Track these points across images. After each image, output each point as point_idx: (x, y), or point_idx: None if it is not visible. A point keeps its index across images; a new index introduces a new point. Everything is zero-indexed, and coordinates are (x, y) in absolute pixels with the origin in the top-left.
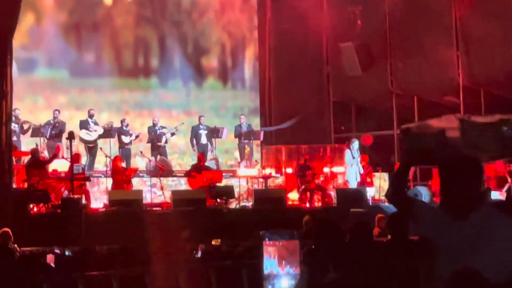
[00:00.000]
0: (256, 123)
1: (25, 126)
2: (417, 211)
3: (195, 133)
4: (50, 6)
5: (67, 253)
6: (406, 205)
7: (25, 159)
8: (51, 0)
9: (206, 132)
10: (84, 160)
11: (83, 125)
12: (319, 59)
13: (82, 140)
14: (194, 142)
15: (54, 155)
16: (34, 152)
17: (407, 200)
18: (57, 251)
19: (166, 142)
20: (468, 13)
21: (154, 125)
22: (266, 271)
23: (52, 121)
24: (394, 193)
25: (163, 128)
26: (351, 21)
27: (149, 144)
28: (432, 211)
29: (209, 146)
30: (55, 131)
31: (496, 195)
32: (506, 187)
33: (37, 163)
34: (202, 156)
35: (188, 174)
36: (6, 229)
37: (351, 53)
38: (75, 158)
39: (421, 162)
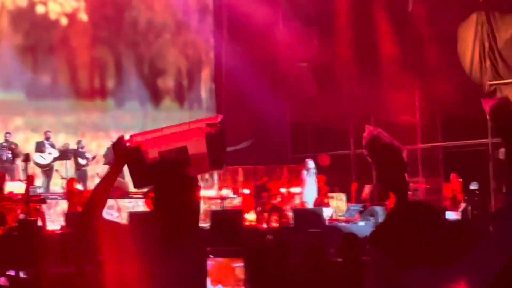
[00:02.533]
0: None
1: None
2: None
3: None
4: (5, 27)
5: (21, 275)
6: None
7: None
8: (6, 22)
9: None
10: (40, 182)
11: (39, 147)
12: (275, 79)
13: (36, 164)
14: None
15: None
16: (1, 176)
17: None
18: (11, 273)
19: None
20: (425, 32)
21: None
22: None
23: (5, 144)
24: None
25: None
26: (307, 41)
27: (106, 166)
28: None
29: None
30: (10, 153)
31: (452, 215)
32: (461, 208)
33: None
34: None
35: (145, 195)
36: None
37: (308, 73)
38: (30, 180)
39: None
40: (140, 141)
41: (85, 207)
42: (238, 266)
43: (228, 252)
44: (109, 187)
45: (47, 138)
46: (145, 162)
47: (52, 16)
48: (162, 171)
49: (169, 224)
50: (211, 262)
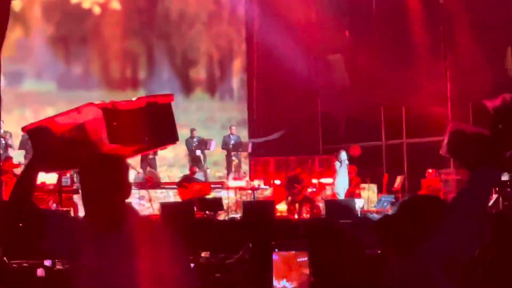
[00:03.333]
0: (244, 134)
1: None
2: None
3: (190, 146)
4: (38, 18)
5: (57, 266)
6: None
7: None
8: (39, 12)
9: (196, 144)
10: (72, 172)
11: None
12: (307, 70)
13: None
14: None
15: None
16: None
17: None
18: (51, 262)
19: (155, 153)
20: (456, 25)
21: None
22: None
23: None
24: None
25: None
26: (340, 33)
27: (137, 157)
28: None
29: (201, 157)
30: None
31: None
32: (493, 199)
33: None
34: (193, 168)
35: (179, 184)
36: None
37: (340, 64)
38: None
39: None
40: (41, 122)
41: (12, 195)
42: (303, 260)
43: (292, 246)
44: (33, 172)
45: None
46: (51, 143)
47: (86, 5)
48: (67, 152)
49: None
50: (276, 256)
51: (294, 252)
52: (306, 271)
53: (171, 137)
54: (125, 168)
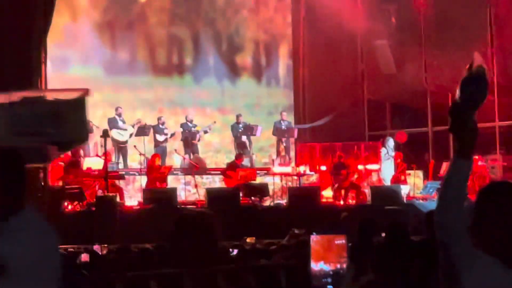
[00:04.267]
0: (290, 120)
1: None
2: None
3: (235, 131)
4: (84, 4)
5: (102, 251)
6: None
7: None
8: None
9: (242, 130)
10: (116, 158)
11: (112, 124)
12: (353, 56)
13: (114, 140)
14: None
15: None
16: (75, 152)
17: None
18: (96, 248)
19: (199, 140)
20: (505, 8)
21: (188, 122)
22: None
23: None
24: None
25: (195, 126)
26: (386, 19)
27: (181, 142)
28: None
29: (247, 143)
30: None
31: None
32: None
33: (75, 162)
34: (241, 158)
35: (224, 174)
36: None
37: (386, 50)
38: (108, 156)
39: None
40: None
41: None
42: (341, 242)
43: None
44: None
45: (119, 115)
46: None
47: None
48: None
49: None
50: (314, 238)
51: (331, 235)
52: (344, 253)
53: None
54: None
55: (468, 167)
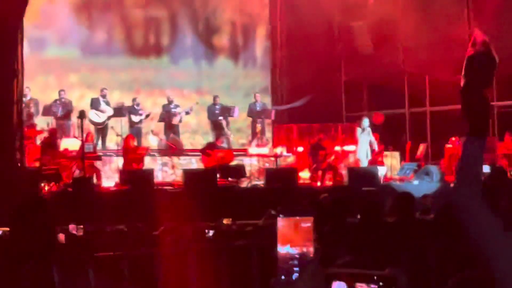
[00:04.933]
0: (267, 101)
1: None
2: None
3: (211, 113)
4: None
5: (77, 232)
6: None
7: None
8: None
9: (218, 111)
10: (94, 139)
11: (94, 104)
12: (331, 37)
13: (90, 121)
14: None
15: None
16: (53, 133)
17: None
18: (72, 227)
19: (180, 121)
20: None
21: (169, 103)
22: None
23: (58, 101)
24: None
25: (177, 107)
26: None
27: (160, 123)
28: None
29: (224, 124)
30: (64, 110)
31: None
32: None
33: (53, 143)
34: (220, 140)
35: (203, 151)
36: None
37: (363, 31)
38: (86, 137)
39: None
40: None
41: None
42: (307, 225)
43: (297, 211)
44: None
45: (103, 96)
46: None
47: None
48: None
49: None
50: (281, 221)
51: (298, 217)
52: (310, 236)
53: None
54: None
55: (481, 145)
